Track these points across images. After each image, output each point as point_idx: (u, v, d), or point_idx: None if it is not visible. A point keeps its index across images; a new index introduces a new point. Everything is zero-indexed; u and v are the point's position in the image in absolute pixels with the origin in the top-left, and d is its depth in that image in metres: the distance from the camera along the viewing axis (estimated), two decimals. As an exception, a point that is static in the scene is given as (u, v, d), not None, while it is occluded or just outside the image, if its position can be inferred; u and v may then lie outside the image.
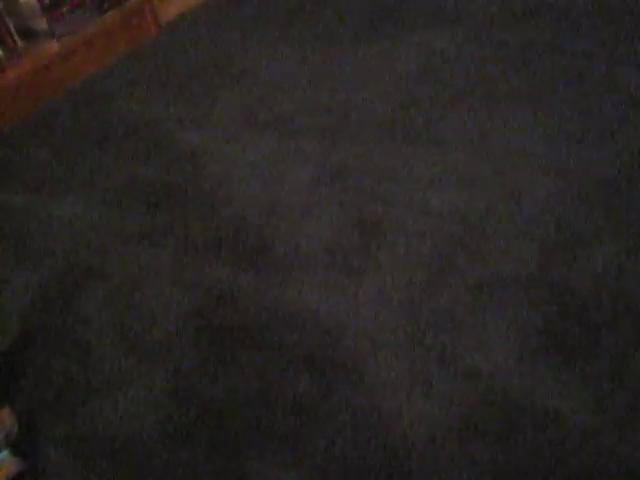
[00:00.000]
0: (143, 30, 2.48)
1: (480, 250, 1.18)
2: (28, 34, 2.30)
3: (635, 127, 1.35)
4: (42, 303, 1.33)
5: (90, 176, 1.70)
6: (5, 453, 1.03)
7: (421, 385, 1.01)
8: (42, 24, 2.24)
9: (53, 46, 2.25)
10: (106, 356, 1.18)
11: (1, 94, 2.09)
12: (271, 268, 1.27)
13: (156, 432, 1.04)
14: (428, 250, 1.21)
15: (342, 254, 1.25)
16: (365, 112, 1.64)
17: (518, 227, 1.20)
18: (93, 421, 1.07)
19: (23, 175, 1.81)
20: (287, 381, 1.07)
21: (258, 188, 1.49)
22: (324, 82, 1.81)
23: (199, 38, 2.32)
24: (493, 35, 1.79)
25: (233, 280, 1.26)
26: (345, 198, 1.39)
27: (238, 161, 1.60)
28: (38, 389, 1.15)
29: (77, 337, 1.23)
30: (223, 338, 1.16)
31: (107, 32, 2.36)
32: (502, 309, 1.07)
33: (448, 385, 1.00)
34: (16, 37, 2.30)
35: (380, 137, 1.54)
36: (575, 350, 0.99)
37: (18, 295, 1.38)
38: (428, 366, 1.03)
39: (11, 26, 2.27)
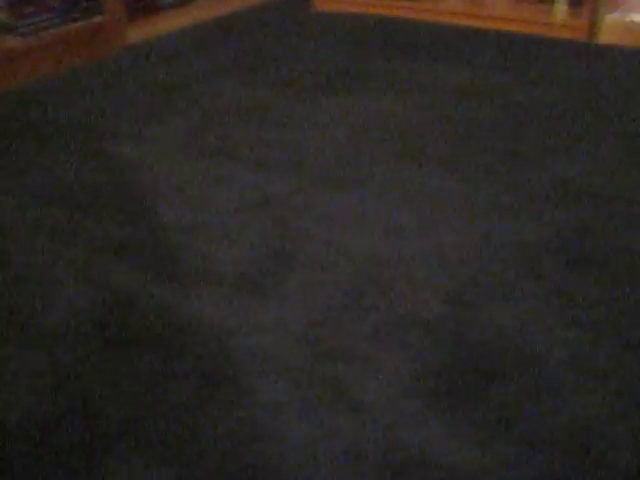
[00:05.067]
0: (106, 47, 2.48)
1: (388, 292, 1.17)
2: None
3: (558, 204, 1.40)
4: None
5: (19, 172, 1.66)
6: None
7: (307, 412, 0.97)
8: (6, 18, 2.22)
9: (13, 41, 2.23)
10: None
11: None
12: (179, 280, 1.23)
13: (22, 423, 0.97)
14: (337, 286, 1.19)
15: (252, 278, 1.23)
16: (305, 154, 1.65)
17: (430, 276, 1.20)
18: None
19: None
20: (172, 387, 1.02)
21: (182, 206, 1.46)
22: (274, 123, 1.82)
23: (159, 63, 2.33)
24: (438, 107, 1.85)
25: (139, 285, 1.22)
26: (266, 228, 1.37)
27: (169, 178, 1.57)
28: None
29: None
30: (117, 337, 1.11)
31: (69, 41, 2.35)
32: (401, 350, 1.06)
33: (334, 415, 0.97)
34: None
35: (313, 179, 1.54)
36: (466, 395, 0.98)
37: None
38: (317, 395, 1.00)
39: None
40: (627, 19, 2.32)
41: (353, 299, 1.16)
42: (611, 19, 2.34)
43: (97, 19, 2.44)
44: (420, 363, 1.03)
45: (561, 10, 2.47)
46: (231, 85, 2.09)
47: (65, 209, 1.47)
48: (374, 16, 2.80)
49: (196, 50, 2.45)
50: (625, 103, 1.88)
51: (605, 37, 2.36)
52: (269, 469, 0.88)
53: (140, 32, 2.61)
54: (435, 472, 0.87)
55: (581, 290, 1.17)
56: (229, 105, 1.94)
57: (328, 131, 1.75)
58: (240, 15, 2.92)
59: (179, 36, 2.64)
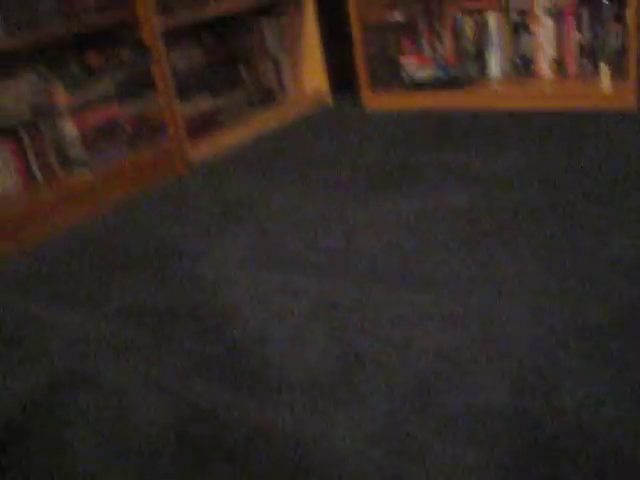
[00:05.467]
0: (171, 168, 2.63)
1: (457, 386, 1.19)
2: (66, 161, 2.45)
3: (619, 283, 1.39)
4: (31, 406, 1.34)
5: (95, 294, 1.76)
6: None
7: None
8: (80, 154, 2.39)
9: (87, 174, 2.39)
10: (88, 461, 1.17)
11: (32, 211, 2.20)
12: (254, 388, 1.28)
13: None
14: (406, 383, 1.22)
15: (324, 382, 1.27)
16: (364, 255, 1.70)
17: (495, 365, 1.21)
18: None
19: (30, 283, 1.88)
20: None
21: (253, 317, 1.52)
22: (331, 225, 1.88)
23: (221, 179, 2.45)
24: (490, 194, 1.88)
25: (216, 396, 1.28)
26: (334, 332, 1.41)
27: (240, 291, 1.64)
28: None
29: (61, 440, 1.23)
30: (199, 449, 1.16)
31: (136, 168, 2.51)
32: (471, 443, 1.07)
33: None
34: (54, 162, 2.45)
35: (376, 280, 1.58)
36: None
37: (6, 396, 1.39)
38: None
39: (51, 153, 2.43)
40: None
41: (423, 396, 1.19)
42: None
43: (161, 143, 2.60)
44: (491, 455, 1.04)
45: (606, 83, 2.51)
46: (290, 194, 2.18)
47: (146, 329, 1.55)
48: (421, 110, 2.89)
49: (256, 162, 2.57)
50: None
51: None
52: None
53: (202, 150, 2.76)
54: None
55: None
56: (289, 214, 2.02)
57: (386, 232, 1.80)
58: (296, 123, 3.06)
59: (239, 150, 2.78)
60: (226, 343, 1.45)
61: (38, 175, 2.39)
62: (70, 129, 2.36)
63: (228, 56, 3.00)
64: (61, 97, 2.31)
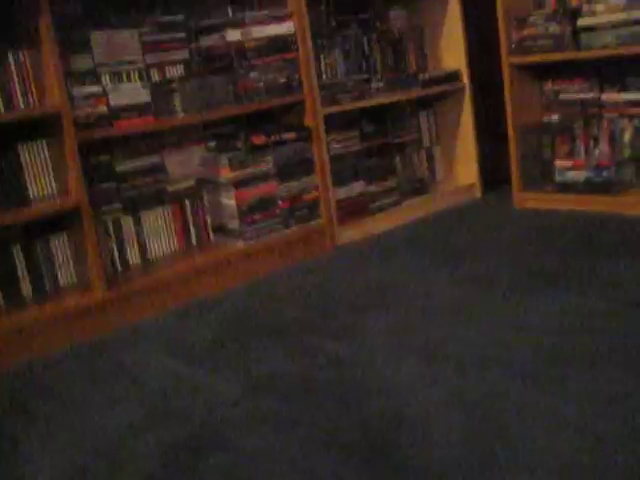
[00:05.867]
0: (320, 248, 2.73)
1: None
2: (221, 230, 2.61)
3: None
4: (171, 463, 1.41)
5: (235, 360, 1.84)
6: None
7: None
8: (235, 225, 2.54)
9: (239, 245, 2.53)
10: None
11: (185, 273, 2.35)
12: (386, 474, 1.28)
13: None
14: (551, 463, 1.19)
15: (454, 476, 1.24)
16: (507, 354, 1.67)
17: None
18: None
19: (175, 343, 2.00)
20: None
21: (390, 400, 1.53)
22: (478, 321, 1.87)
23: (367, 262, 2.51)
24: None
25: (348, 476, 1.28)
26: (472, 425, 1.38)
27: (378, 374, 1.66)
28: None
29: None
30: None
31: (287, 243, 2.63)
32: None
33: None
34: (210, 230, 2.62)
35: (516, 377, 1.55)
36: None
37: (149, 451, 1.48)
38: None
39: (209, 221, 2.61)
40: None
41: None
42: None
43: (313, 223, 2.71)
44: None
45: None
46: (437, 282, 2.21)
47: (281, 399, 1.60)
48: (572, 212, 2.86)
49: (403, 249, 2.63)
50: None
51: None
52: None
53: (351, 233, 2.85)
54: None
55: None
56: (435, 302, 2.04)
57: (531, 331, 1.77)
58: (444, 214, 3.10)
59: (387, 236, 2.86)
60: (359, 422, 1.46)
61: (194, 240, 2.55)
62: (229, 201, 2.52)
63: (384, 144, 3.11)
64: (225, 171, 2.48)
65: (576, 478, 1.16)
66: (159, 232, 2.48)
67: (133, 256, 2.43)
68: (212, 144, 2.60)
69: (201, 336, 2.03)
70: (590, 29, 2.74)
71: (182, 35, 2.47)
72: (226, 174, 2.48)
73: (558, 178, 2.97)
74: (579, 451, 1.23)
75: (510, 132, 3.06)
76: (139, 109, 2.29)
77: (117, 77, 2.32)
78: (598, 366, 1.53)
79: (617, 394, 1.40)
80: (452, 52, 3.28)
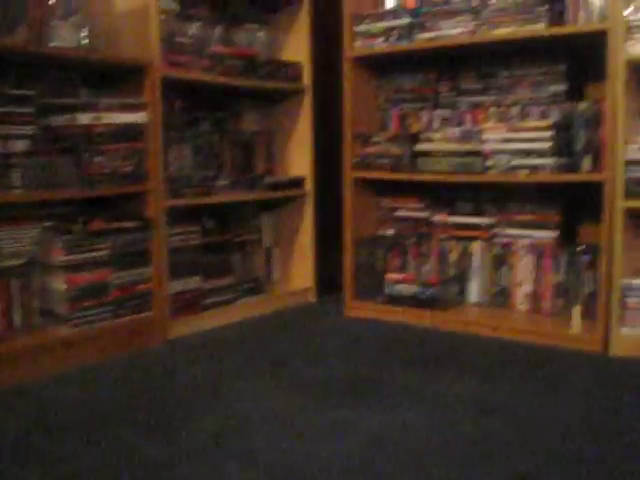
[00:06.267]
0: (149, 339, 2.67)
1: None
2: (47, 314, 2.50)
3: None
4: None
5: (47, 457, 1.75)
6: None
7: None
8: (63, 309, 2.44)
9: (64, 330, 2.43)
10: None
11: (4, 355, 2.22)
12: None
13: None
14: None
15: None
16: (313, 464, 1.70)
17: None
18: None
19: None
20: None
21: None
22: (289, 431, 1.89)
23: (193, 360, 2.49)
24: (451, 422, 1.91)
25: None
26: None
27: (189, 476, 1.64)
28: None
29: None
30: None
31: (117, 333, 2.55)
32: None
33: None
34: (36, 312, 2.50)
35: None
36: None
37: None
38: None
39: (35, 303, 2.49)
40: (638, 333, 2.46)
41: None
42: (624, 333, 2.48)
43: (145, 314, 2.66)
44: None
45: (576, 323, 2.63)
46: (255, 388, 2.21)
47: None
48: (399, 324, 2.99)
49: (229, 349, 2.62)
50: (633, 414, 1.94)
51: (617, 350, 2.49)
52: None
53: (183, 328, 2.82)
54: None
55: None
56: (257, 408, 2.03)
57: (338, 444, 1.81)
58: (277, 315, 3.14)
59: (218, 334, 2.85)
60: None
61: (17, 321, 2.43)
62: (59, 285, 2.43)
63: (224, 242, 3.14)
64: (58, 253, 2.40)
65: None
66: (-21, 311, 2.34)
67: (-54, 334, 2.27)
68: (48, 224, 2.52)
69: (5, 427, 1.90)
70: (427, 154, 2.95)
71: (30, 110, 2.42)
72: (59, 256, 2.40)
73: (387, 290, 3.10)
74: None
75: (346, 242, 3.18)
76: (-26, 180, 2.20)
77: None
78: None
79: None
80: (300, 159, 3.41)
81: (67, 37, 2.46)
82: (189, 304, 2.91)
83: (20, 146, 2.38)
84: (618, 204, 2.44)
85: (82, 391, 2.18)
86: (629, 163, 2.42)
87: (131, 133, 2.59)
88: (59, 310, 2.45)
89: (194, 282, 2.94)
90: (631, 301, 2.48)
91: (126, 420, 1.94)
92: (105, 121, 2.50)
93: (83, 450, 1.75)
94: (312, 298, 3.44)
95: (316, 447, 1.76)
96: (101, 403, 2.07)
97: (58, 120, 2.47)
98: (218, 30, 3.15)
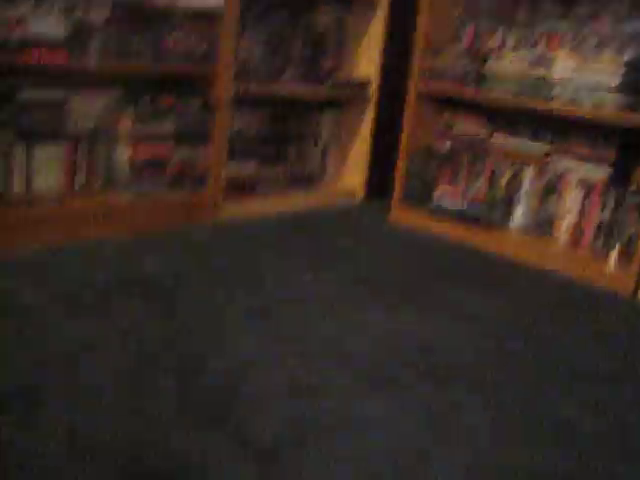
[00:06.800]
0: (202, 216, 2.81)
1: None
2: (109, 177, 2.64)
3: (556, 441, 1.52)
4: None
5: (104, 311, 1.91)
6: None
7: None
8: (124, 177, 2.58)
9: (124, 196, 2.57)
10: None
11: (64, 214, 2.37)
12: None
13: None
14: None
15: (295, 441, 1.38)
16: (344, 346, 1.85)
17: None
18: None
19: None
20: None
21: (229, 367, 1.66)
22: (324, 316, 2.04)
23: (243, 241, 2.62)
24: (469, 334, 2.02)
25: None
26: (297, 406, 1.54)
27: (221, 342, 1.79)
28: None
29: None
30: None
31: (172, 206, 2.69)
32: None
33: None
34: (99, 177, 2.64)
35: (348, 370, 1.72)
36: None
37: None
38: None
39: (100, 167, 2.63)
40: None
41: None
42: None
43: (200, 192, 2.79)
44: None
45: (612, 263, 2.69)
46: (297, 274, 2.34)
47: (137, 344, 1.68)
48: (442, 238, 3.07)
49: (278, 236, 2.75)
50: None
51: (648, 293, 2.56)
52: None
53: (234, 210, 2.95)
54: None
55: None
56: (288, 290, 2.17)
57: (366, 336, 1.94)
58: (325, 211, 3.25)
59: (268, 220, 2.97)
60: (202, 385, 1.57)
61: (80, 183, 2.57)
62: (123, 153, 2.55)
63: (283, 133, 3.22)
64: (126, 123, 2.52)
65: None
66: (49, 168, 2.48)
67: (17, 186, 2.42)
68: (119, 94, 2.62)
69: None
70: (495, 74, 2.95)
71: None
72: (126, 126, 2.52)
73: (435, 202, 3.17)
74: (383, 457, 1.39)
75: (402, 149, 3.24)
76: (54, 42, 2.29)
77: (38, 5, 2.30)
78: (422, 379, 1.71)
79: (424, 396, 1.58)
80: (368, 62, 3.42)
81: None
82: (243, 187, 3.03)
83: (100, 16, 2.45)
84: (675, 152, 2.44)
85: (128, 258, 2.33)
86: (694, 113, 2.40)
87: (207, 15, 2.64)
88: (120, 178, 2.59)
89: (250, 167, 3.05)
90: (670, 249, 2.52)
91: (167, 286, 2.10)
92: (183, 2, 2.56)
93: (134, 309, 1.91)
94: (362, 200, 3.53)
95: (345, 332, 1.90)
96: (145, 267, 2.23)
97: (139, -6, 2.53)
98: None
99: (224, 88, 2.74)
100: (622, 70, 2.61)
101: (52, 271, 2.11)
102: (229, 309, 1.99)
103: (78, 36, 2.34)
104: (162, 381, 1.55)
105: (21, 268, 2.10)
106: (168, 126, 2.64)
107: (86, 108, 2.53)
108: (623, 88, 2.61)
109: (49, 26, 2.26)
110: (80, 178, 2.57)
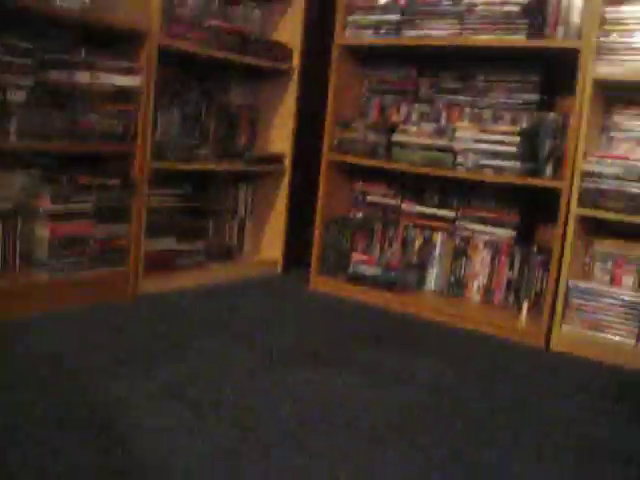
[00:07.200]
0: (121, 293, 2.81)
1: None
2: (28, 256, 2.62)
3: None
4: None
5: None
6: None
7: None
8: (43, 256, 2.57)
9: (43, 276, 2.57)
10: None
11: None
12: None
13: None
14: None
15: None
16: (261, 417, 1.88)
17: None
18: None
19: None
20: None
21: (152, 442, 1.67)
22: (244, 384, 2.07)
23: (162, 316, 2.64)
24: (395, 394, 2.09)
25: None
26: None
27: (147, 421, 1.80)
28: None
29: None
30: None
31: (91, 283, 2.69)
32: None
33: None
34: (17, 259, 2.63)
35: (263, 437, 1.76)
36: None
37: None
38: None
39: (18, 247, 2.62)
40: (578, 331, 2.67)
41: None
42: (565, 330, 2.68)
43: (119, 268, 2.80)
44: None
45: (523, 318, 2.83)
46: (216, 346, 2.36)
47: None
48: (359, 302, 3.16)
49: (194, 309, 2.78)
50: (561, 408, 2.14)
51: (557, 345, 2.69)
52: None
53: (154, 285, 2.96)
54: None
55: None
56: (207, 364, 2.19)
57: (287, 402, 1.97)
58: (245, 283, 3.30)
59: (187, 294, 2.99)
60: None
61: (-1, 262, 2.56)
62: (43, 232, 2.56)
63: (201, 207, 3.29)
64: (46, 202, 2.53)
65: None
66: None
67: None
68: (37, 173, 2.64)
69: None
70: (402, 145, 3.12)
71: (31, 63, 2.52)
72: (46, 205, 2.53)
73: (352, 269, 3.28)
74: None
75: (317, 220, 3.35)
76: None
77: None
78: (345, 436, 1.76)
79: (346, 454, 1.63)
80: (281, 136, 3.55)
81: (71, -2, 2.57)
82: (162, 262, 3.06)
83: (18, 96, 2.49)
84: (572, 211, 2.63)
85: (49, 337, 2.32)
86: (586, 174, 2.60)
87: (124, 95, 2.71)
88: (40, 256, 2.58)
89: (169, 242, 3.09)
90: (575, 301, 2.68)
91: (92, 367, 2.09)
92: (101, 81, 2.63)
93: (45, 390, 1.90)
94: (280, 270, 3.60)
95: (268, 401, 1.93)
96: (68, 347, 2.22)
97: (56, 75, 2.58)
98: (216, 5, 3.28)
99: (142, 166, 2.80)
100: (517, 139, 2.81)
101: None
102: (145, 386, 2.00)
103: (-3, 117, 2.37)
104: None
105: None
106: (87, 204, 2.66)
107: (5, 187, 2.54)
108: (520, 155, 2.80)
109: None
110: (-1, 257, 2.56)
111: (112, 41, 2.79)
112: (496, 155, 2.86)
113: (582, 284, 2.69)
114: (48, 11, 2.45)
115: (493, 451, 1.76)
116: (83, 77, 2.57)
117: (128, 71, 2.71)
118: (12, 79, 2.47)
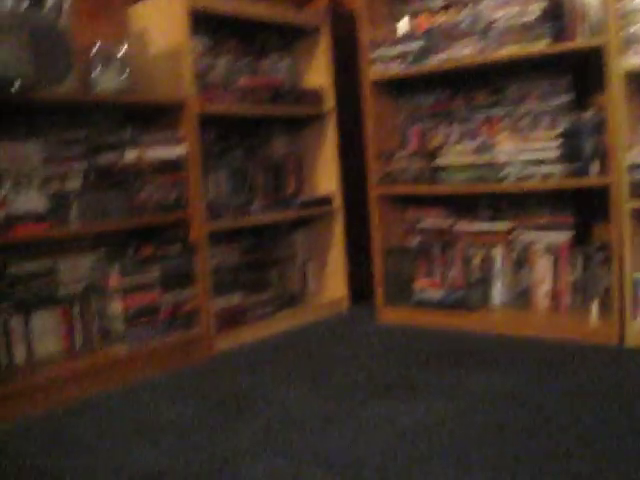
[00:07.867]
0: (198, 354, 2.90)
1: None
2: (105, 332, 2.74)
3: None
4: None
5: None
6: None
7: None
8: (119, 329, 2.69)
9: (122, 349, 2.67)
10: None
11: (68, 375, 2.46)
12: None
13: None
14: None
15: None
16: (356, 460, 1.92)
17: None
18: None
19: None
20: None
21: None
22: (332, 426, 2.11)
23: (239, 371, 2.71)
24: (482, 413, 2.10)
25: None
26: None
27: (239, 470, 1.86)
28: None
29: None
30: None
31: (167, 349, 2.79)
32: None
33: None
34: (95, 333, 2.75)
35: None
36: None
37: None
38: None
39: (95, 324, 2.74)
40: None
41: None
42: (637, 324, 2.66)
43: (192, 330, 2.90)
44: None
45: (594, 318, 2.82)
46: (297, 392, 2.42)
47: None
48: (428, 327, 3.19)
49: (271, 360, 2.84)
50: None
51: (632, 341, 2.67)
52: None
53: (228, 342, 3.05)
54: None
55: None
56: (293, 412, 2.24)
57: (377, 437, 2.00)
58: (314, 326, 3.36)
59: (261, 346, 3.07)
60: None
61: (79, 343, 2.68)
62: (116, 307, 2.67)
63: (261, 259, 3.39)
64: (114, 279, 2.65)
65: None
66: (46, 333, 2.59)
67: (19, 355, 2.52)
68: (103, 252, 2.77)
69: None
70: (446, 167, 3.16)
71: (82, 150, 2.67)
72: (115, 282, 2.65)
73: (416, 296, 3.31)
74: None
75: (375, 253, 3.40)
76: (36, 216, 2.44)
77: (18, 185, 2.47)
78: (440, 465, 1.78)
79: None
80: (327, 178, 3.64)
81: (109, 82, 2.71)
82: (232, 319, 3.15)
83: (74, 184, 2.63)
84: (624, 205, 2.63)
85: (141, 405, 2.41)
86: (633, 167, 2.60)
87: (172, 165, 2.84)
88: (116, 330, 2.70)
89: (236, 298, 3.18)
90: (643, 294, 2.66)
91: (180, 426, 2.17)
92: (149, 155, 2.76)
93: (152, 453, 1.98)
94: (346, 307, 3.65)
95: (356, 438, 1.97)
96: (161, 413, 2.30)
97: (107, 157, 2.72)
98: (245, 62, 3.40)
99: (199, 229, 2.91)
100: (558, 142, 2.83)
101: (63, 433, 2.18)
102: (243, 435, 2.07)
103: (57, 205, 2.50)
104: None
105: (30, 433, 2.17)
106: (153, 274, 2.78)
107: (74, 270, 2.67)
108: (563, 158, 2.82)
109: (30, 202, 2.42)
110: (78, 338, 2.68)
111: (153, 115, 2.93)
112: (540, 161, 2.88)
113: (649, 276, 2.67)
114: (88, 99, 2.60)
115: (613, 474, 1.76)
116: (132, 154, 2.71)
117: (172, 141, 2.83)
118: (67, 169, 2.62)
